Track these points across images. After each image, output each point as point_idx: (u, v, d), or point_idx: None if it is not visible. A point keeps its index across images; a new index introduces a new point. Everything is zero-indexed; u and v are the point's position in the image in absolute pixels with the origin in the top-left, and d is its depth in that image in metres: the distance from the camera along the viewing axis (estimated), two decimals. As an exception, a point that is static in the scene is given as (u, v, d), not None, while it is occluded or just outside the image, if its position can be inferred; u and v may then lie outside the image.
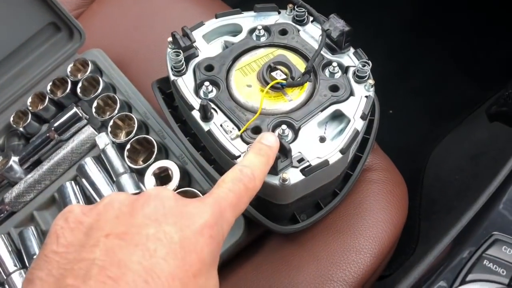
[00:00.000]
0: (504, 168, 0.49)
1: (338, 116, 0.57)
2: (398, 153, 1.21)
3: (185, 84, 0.58)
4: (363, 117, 0.55)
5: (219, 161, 0.58)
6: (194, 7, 0.84)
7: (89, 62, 0.76)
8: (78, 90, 0.74)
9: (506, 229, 0.44)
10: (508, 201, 0.46)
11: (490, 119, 1.03)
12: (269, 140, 0.45)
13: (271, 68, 0.58)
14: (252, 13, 0.65)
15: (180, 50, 0.58)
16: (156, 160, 0.65)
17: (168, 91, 0.66)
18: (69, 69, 0.76)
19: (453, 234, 0.47)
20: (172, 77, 0.59)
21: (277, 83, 0.56)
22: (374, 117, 0.65)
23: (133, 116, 0.69)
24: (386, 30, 1.45)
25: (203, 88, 0.57)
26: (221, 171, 0.58)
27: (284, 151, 0.50)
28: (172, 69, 0.59)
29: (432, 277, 0.43)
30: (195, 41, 0.59)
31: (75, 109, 0.72)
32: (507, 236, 0.43)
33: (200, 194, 0.61)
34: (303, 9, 0.63)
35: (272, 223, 0.57)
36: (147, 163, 0.64)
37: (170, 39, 0.60)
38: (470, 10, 1.41)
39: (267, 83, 0.56)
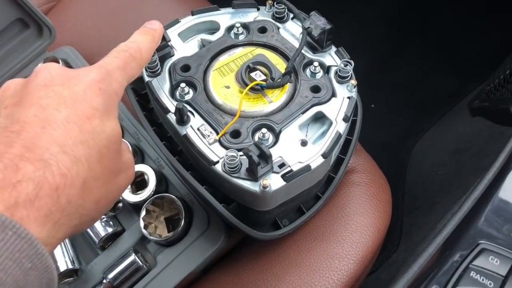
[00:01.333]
0: (489, 172, 0.48)
1: (320, 118, 0.55)
2: (380, 147, 1.20)
3: (160, 85, 0.56)
4: (345, 119, 0.53)
5: (197, 166, 0.56)
6: (169, 1, 0.80)
7: (60, 61, 0.73)
8: (49, 90, 0.70)
9: (492, 237, 0.43)
10: (493, 208, 0.45)
11: (473, 114, 1.02)
12: (153, 24, 0.50)
13: (250, 68, 0.55)
14: (230, 9, 0.63)
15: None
16: (131, 164, 0.62)
17: (143, 92, 0.63)
18: (38, 68, 0.73)
19: (439, 242, 0.45)
20: (147, 78, 0.56)
21: (257, 84, 0.53)
22: (356, 117, 0.63)
23: (107, 117, 0.66)
24: (368, 24, 1.43)
25: (179, 89, 0.54)
26: (199, 177, 0.55)
27: (264, 157, 0.48)
28: (146, 69, 0.56)
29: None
30: (170, 40, 0.57)
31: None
32: (494, 245, 0.42)
33: (178, 201, 0.58)
34: (283, 6, 0.61)
35: (253, 230, 0.55)
36: (122, 168, 0.61)
37: (144, 38, 0.57)
38: (452, 3, 1.40)
39: (246, 85, 0.54)
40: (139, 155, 0.65)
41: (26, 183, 0.32)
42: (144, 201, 0.60)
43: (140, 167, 0.61)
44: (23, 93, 0.37)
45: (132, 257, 0.58)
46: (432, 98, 1.28)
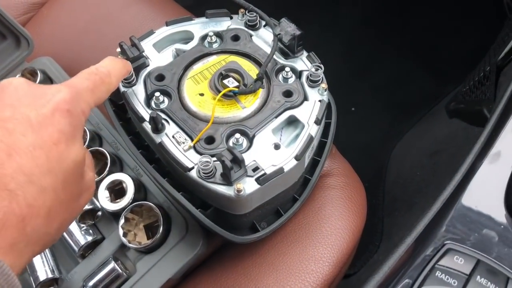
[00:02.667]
0: (456, 175, 0.50)
1: (293, 122, 0.56)
2: (361, 150, 1.23)
3: (136, 95, 0.57)
4: (317, 122, 0.54)
5: (174, 173, 0.57)
6: (146, 10, 0.81)
7: (38, 71, 0.73)
8: (27, 102, 0.71)
9: (458, 237, 0.44)
10: (460, 209, 0.47)
11: (450, 116, 1.05)
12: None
13: (222, 75, 0.56)
14: (203, 19, 0.64)
15: (129, 61, 0.56)
16: (110, 172, 0.63)
17: (120, 102, 0.64)
18: (17, 79, 0.73)
19: (408, 242, 0.46)
20: (122, 89, 0.57)
21: (229, 91, 0.55)
22: (331, 120, 0.65)
23: (85, 127, 0.67)
24: (347, 27, 1.46)
25: (154, 98, 0.55)
26: (176, 184, 0.56)
27: (237, 161, 0.49)
28: (122, 80, 0.57)
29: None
30: (143, 51, 0.58)
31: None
32: (459, 245, 0.43)
33: (156, 208, 0.59)
34: (255, 14, 0.62)
35: (230, 234, 0.56)
36: (101, 176, 0.62)
37: (118, 49, 0.58)
38: (429, 5, 1.43)
39: (219, 91, 0.55)
40: (118, 164, 0.66)
41: None
42: (123, 209, 0.60)
43: (118, 176, 0.62)
44: None
45: (112, 264, 0.58)
46: (411, 100, 1.31)
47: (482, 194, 0.50)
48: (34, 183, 0.34)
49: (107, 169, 0.63)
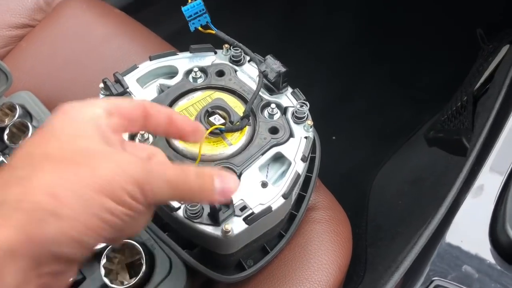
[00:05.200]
0: (440, 208, 0.50)
1: (279, 158, 0.56)
2: (343, 179, 1.23)
3: (119, 132, 0.56)
4: (303, 159, 0.54)
5: (159, 212, 0.55)
6: (128, 44, 0.81)
7: (17, 106, 0.71)
8: (5, 137, 0.69)
9: (446, 273, 0.44)
10: (446, 244, 0.47)
11: (429, 144, 1.06)
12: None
13: (208, 113, 0.56)
14: (188, 53, 0.64)
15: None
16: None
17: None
18: (-5, 114, 0.71)
19: (396, 278, 0.46)
20: (105, 125, 0.56)
21: (216, 128, 0.54)
22: (315, 154, 0.65)
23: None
24: (327, 55, 1.48)
25: (139, 136, 0.55)
26: (162, 223, 0.55)
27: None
28: (105, 116, 0.56)
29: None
30: (128, 87, 0.57)
31: (1, 158, 0.67)
32: (447, 281, 0.43)
33: (139, 247, 0.57)
34: (239, 49, 0.62)
35: (217, 274, 0.55)
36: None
37: (101, 85, 0.57)
38: (408, 35, 1.47)
39: (206, 129, 0.54)
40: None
41: None
42: (105, 247, 0.58)
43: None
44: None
45: (94, 306, 0.56)
46: (391, 128, 1.32)
47: (467, 229, 0.50)
48: None
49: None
